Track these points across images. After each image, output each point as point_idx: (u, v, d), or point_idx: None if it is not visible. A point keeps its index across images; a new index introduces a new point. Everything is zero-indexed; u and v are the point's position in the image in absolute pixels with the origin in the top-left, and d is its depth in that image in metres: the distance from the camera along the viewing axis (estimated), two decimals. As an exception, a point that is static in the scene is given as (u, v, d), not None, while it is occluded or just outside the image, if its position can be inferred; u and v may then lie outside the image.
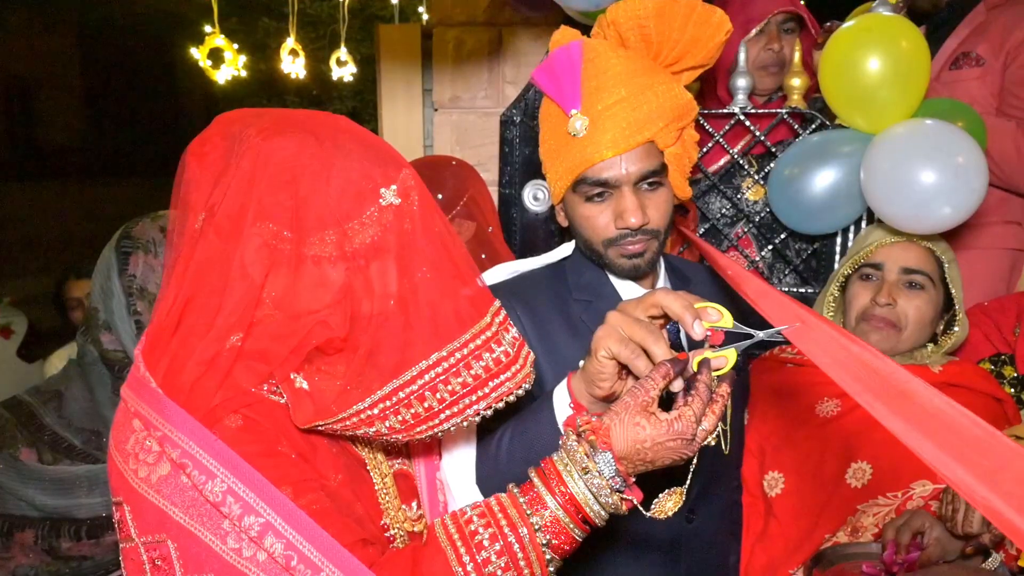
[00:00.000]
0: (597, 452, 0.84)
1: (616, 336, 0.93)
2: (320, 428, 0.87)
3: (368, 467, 0.97)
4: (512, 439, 1.08)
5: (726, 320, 0.91)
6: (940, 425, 0.70)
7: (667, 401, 0.89)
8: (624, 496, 0.85)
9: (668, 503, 0.90)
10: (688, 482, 0.90)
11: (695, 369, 0.91)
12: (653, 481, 0.90)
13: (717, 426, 0.88)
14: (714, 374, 0.91)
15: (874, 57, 1.50)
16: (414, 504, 1.02)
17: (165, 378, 0.83)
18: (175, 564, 0.79)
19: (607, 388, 0.97)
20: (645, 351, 0.92)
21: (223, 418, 0.83)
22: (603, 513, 0.85)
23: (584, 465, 0.84)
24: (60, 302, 2.83)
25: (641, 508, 0.87)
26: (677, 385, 0.88)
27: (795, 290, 1.84)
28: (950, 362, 1.49)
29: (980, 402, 1.43)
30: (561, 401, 1.03)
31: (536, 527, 0.83)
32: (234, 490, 0.78)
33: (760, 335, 0.91)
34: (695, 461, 0.89)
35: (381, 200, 0.83)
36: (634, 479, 0.87)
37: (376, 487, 0.96)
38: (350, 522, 0.85)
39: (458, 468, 1.09)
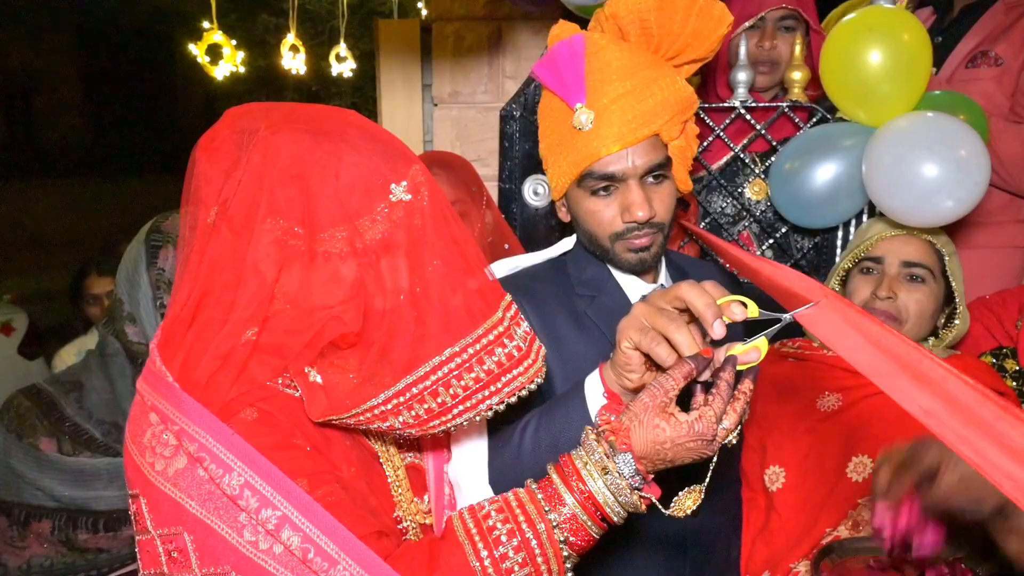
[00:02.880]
0: (617, 453, 0.84)
1: (637, 325, 0.92)
2: (334, 422, 0.88)
3: (381, 460, 0.98)
4: (539, 429, 1.07)
5: (751, 310, 0.88)
6: (959, 406, 0.68)
7: (685, 395, 0.88)
8: (642, 494, 0.85)
9: (687, 501, 0.90)
10: (708, 480, 0.90)
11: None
12: (669, 477, 0.90)
13: (738, 425, 0.87)
14: (746, 366, 0.88)
15: (875, 50, 1.49)
16: (426, 497, 1.02)
17: (181, 372, 0.83)
18: (191, 556, 0.80)
19: (636, 380, 0.96)
20: (668, 340, 0.90)
21: (238, 411, 0.83)
22: (622, 512, 0.85)
23: (604, 465, 0.84)
24: (77, 296, 2.82)
25: (660, 506, 0.87)
26: (705, 375, 0.87)
27: (796, 284, 1.83)
28: (951, 356, 1.49)
29: (982, 395, 1.42)
30: (593, 391, 1.02)
31: (554, 523, 0.84)
32: (251, 484, 0.79)
33: (788, 316, 0.88)
34: (715, 459, 0.88)
35: (391, 196, 0.83)
36: (653, 476, 0.87)
37: (389, 480, 0.97)
38: (365, 514, 0.86)
39: (469, 464, 1.09)
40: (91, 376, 1.41)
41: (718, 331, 0.86)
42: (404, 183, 0.83)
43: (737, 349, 0.89)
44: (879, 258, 1.50)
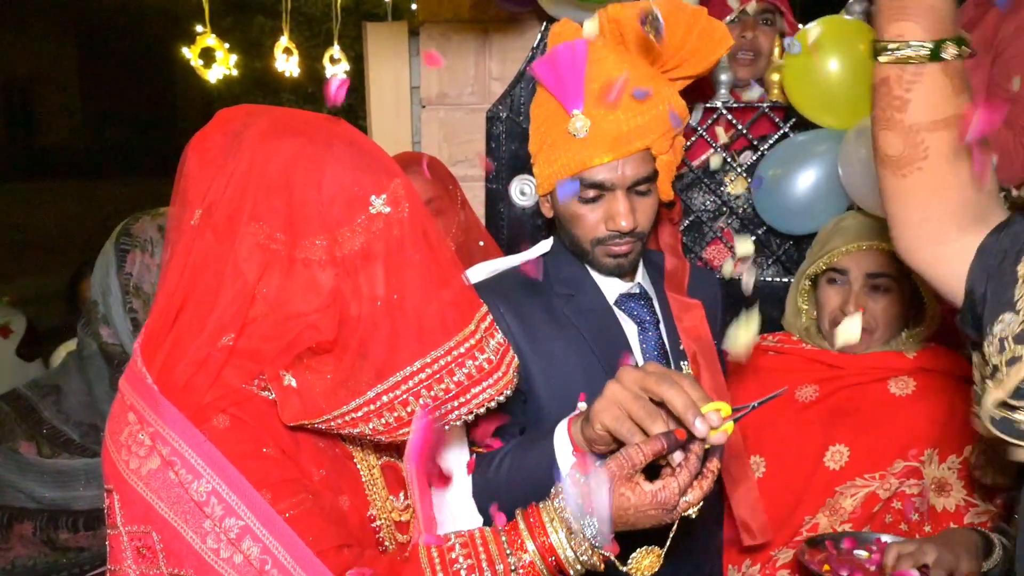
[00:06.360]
0: (584, 516, 0.88)
1: (614, 413, 0.94)
2: (306, 426, 0.90)
3: (355, 459, 1.00)
4: (512, 470, 1.11)
5: (725, 412, 0.91)
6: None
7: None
8: (602, 552, 0.89)
9: (645, 561, 0.94)
10: (667, 545, 0.94)
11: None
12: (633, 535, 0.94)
13: (701, 501, 0.91)
14: (710, 444, 0.91)
15: (834, 59, 1.55)
16: (401, 495, 1.04)
17: (160, 374, 0.85)
18: (159, 555, 0.82)
19: (604, 450, 0.99)
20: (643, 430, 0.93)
21: (212, 416, 0.85)
22: (580, 568, 0.89)
23: (569, 525, 0.88)
24: (73, 299, 2.84)
25: (617, 563, 0.92)
26: (677, 457, 0.91)
27: (779, 280, 1.86)
28: (925, 347, 1.53)
29: (953, 385, 1.46)
30: (562, 444, 1.05)
31: (512, 567, 0.88)
32: (218, 492, 0.81)
33: (755, 404, 0.94)
34: (675, 526, 0.93)
35: (371, 208, 0.85)
36: (613, 535, 0.91)
37: (363, 479, 0.99)
38: (329, 525, 0.87)
39: (451, 469, 1.11)
40: (69, 379, 1.41)
41: (701, 430, 0.88)
42: (384, 196, 0.85)
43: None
44: (844, 270, 1.51)
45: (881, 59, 0.89)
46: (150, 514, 0.82)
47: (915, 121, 0.88)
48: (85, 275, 2.79)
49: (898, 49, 0.87)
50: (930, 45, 0.86)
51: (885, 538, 1.33)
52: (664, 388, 0.91)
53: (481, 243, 1.80)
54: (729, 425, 0.91)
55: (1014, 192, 1.60)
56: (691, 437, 0.89)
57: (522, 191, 1.98)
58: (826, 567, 1.26)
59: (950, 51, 0.86)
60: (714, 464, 0.92)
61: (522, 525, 0.90)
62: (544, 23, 1.97)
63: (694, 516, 0.92)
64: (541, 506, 0.92)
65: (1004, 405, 0.81)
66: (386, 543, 0.99)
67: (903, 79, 0.88)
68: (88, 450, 1.37)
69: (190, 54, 2.91)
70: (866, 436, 1.44)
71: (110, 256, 1.37)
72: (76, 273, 2.90)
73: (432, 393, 0.87)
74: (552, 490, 0.93)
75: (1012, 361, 0.80)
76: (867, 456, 1.44)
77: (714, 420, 0.89)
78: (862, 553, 1.31)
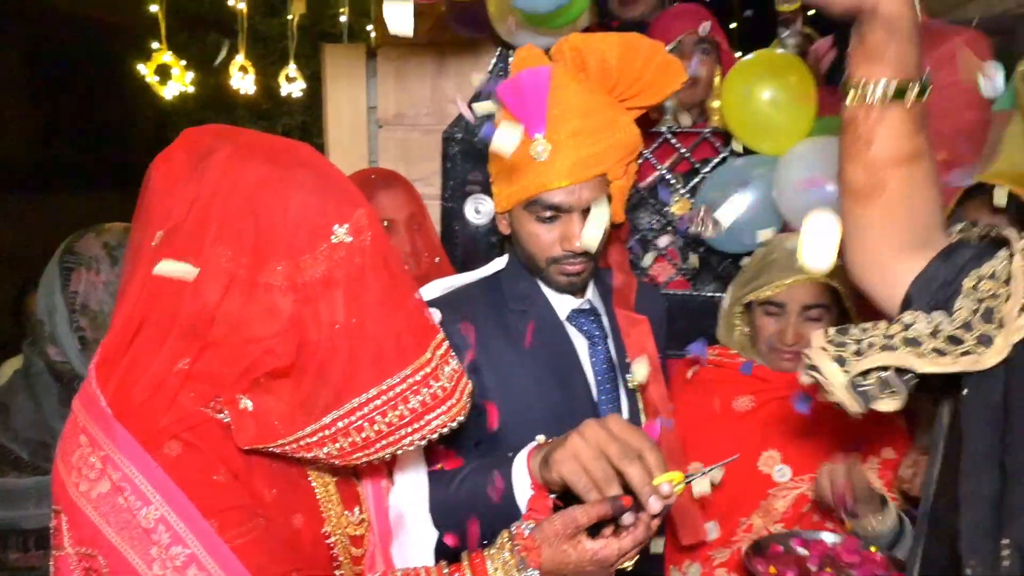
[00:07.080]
0: (526, 568, 0.93)
1: (573, 467, 0.98)
2: (260, 449, 0.91)
3: (310, 477, 1.01)
4: (470, 493, 1.13)
5: (677, 480, 0.96)
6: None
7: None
8: None
9: None
10: None
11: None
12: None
13: (637, 555, 0.97)
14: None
15: (768, 90, 1.66)
16: (356, 510, 1.06)
17: (115, 396, 0.85)
18: None
19: (559, 491, 1.04)
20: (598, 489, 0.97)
21: (165, 442, 0.85)
22: None
23: (511, 575, 0.93)
24: (18, 315, 2.79)
25: None
26: (628, 519, 0.96)
27: (719, 295, 1.95)
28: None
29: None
30: (520, 477, 1.08)
31: None
32: (167, 519, 0.82)
33: (707, 470, 1.04)
34: None
35: (333, 237, 0.86)
36: None
37: (318, 496, 1.00)
38: (277, 552, 0.89)
39: (411, 494, 1.14)
40: (17, 397, 1.39)
41: (655, 507, 0.93)
42: (347, 225, 0.86)
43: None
44: (781, 304, 1.58)
45: (847, 101, 0.95)
46: (97, 538, 0.82)
47: (878, 157, 0.94)
48: (30, 291, 2.75)
49: (864, 89, 0.93)
50: (894, 85, 0.91)
51: (825, 536, 1.42)
52: (624, 464, 0.95)
53: (437, 259, 1.85)
54: (680, 488, 0.97)
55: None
56: (638, 505, 0.95)
57: (476, 210, 2.04)
58: (772, 568, 1.33)
59: (912, 93, 0.92)
60: (654, 523, 0.97)
61: (467, 571, 0.94)
62: (499, 48, 2.04)
63: (630, 568, 0.98)
64: (486, 554, 0.95)
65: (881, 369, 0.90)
66: (340, 558, 1.01)
67: (869, 118, 0.93)
68: (38, 468, 1.35)
69: (146, 70, 2.92)
70: (797, 443, 1.54)
71: (54, 275, 1.36)
72: (21, 289, 2.85)
73: (386, 419, 0.89)
74: (498, 539, 0.97)
75: (941, 352, 0.87)
76: (797, 460, 1.53)
77: (665, 490, 0.94)
78: (802, 551, 1.39)
